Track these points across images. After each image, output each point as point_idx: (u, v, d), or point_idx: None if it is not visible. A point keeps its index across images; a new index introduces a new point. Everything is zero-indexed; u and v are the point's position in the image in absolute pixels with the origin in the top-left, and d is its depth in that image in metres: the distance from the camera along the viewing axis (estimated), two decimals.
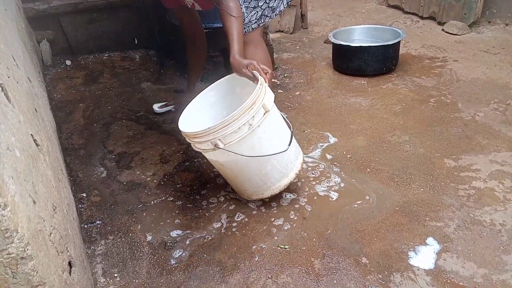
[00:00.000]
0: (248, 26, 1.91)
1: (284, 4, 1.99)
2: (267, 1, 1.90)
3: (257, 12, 1.89)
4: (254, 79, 1.61)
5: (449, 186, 1.79)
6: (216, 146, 1.48)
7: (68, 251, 1.10)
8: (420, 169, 1.91)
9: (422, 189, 1.78)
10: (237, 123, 1.44)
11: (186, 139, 1.60)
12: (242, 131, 1.47)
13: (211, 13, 2.23)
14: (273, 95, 1.60)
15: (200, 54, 2.38)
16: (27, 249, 0.76)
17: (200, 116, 1.78)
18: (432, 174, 1.87)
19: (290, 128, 1.69)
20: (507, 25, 3.52)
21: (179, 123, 1.61)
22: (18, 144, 0.93)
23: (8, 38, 1.45)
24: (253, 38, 1.95)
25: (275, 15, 2.00)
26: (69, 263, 1.09)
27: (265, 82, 1.56)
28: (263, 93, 1.51)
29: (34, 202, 0.89)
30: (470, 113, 2.33)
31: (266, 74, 1.59)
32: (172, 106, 2.53)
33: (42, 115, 1.47)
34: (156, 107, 2.53)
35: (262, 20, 1.95)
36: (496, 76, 2.73)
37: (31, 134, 1.08)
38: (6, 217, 0.71)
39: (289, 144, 1.61)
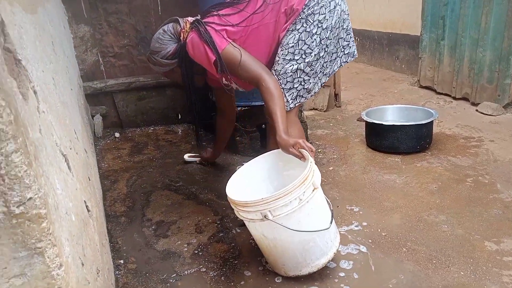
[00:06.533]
0: (286, 106, 2.03)
1: (319, 86, 2.10)
2: (302, 83, 2.01)
3: (293, 93, 2.02)
4: (301, 157, 1.69)
5: (492, 271, 1.71)
6: (265, 217, 1.53)
7: None
8: (459, 251, 1.85)
9: (462, 273, 1.71)
10: (289, 196, 1.51)
11: (232, 206, 1.66)
12: (293, 205, 1.53)
13: (249, 92, 2.41)
14: (320, 173, 1.66)
15: (227, 129, 2.67)
16: None
17: (243, 184, 1.85)
18: (472, 257, 1.80)
19: (330, 206, 1.72)
20: None
21: (227, 191, 1.69)
22: (74, 209, 1.04)
23: (72, 114, 1.65)
24: (289, 118, 2.06)
25: (310, 96, 2.12)
26: None
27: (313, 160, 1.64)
28: (312, 171, 1.59)
29: (83, 264, 0.97)
30: (510, 195, 2.27)
31: (311, 152, 1.67)
32: (198, 159, 2.91)
33: (93, 183, 1.60)
34: (186, 156, 2.93)
35: (297, 101, 2.05)
36: None
37: (84, 201, 1.19)
38: (60, 276, 0.78)
39: (331, 222, 1.64)
